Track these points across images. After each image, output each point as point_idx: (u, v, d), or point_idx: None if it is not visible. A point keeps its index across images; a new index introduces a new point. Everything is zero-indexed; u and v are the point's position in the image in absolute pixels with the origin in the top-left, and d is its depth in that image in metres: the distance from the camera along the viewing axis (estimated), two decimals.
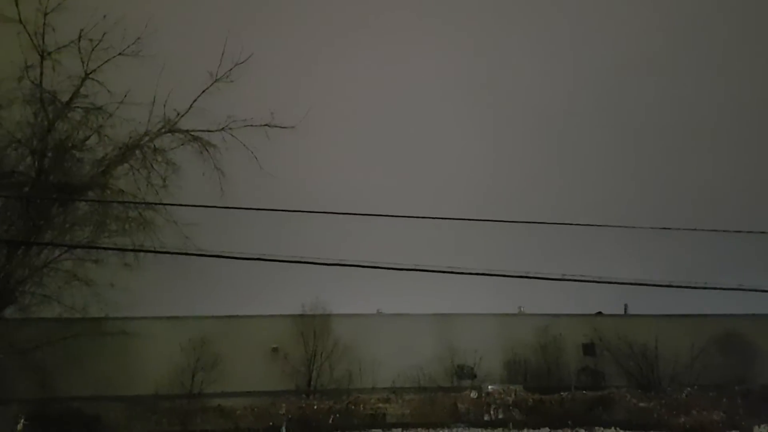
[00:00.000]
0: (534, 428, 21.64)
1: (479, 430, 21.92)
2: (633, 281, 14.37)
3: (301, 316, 30.10)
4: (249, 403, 22.89)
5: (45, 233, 16.94)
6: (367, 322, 31.37)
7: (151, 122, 17.59)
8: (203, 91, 17.78)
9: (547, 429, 21.53)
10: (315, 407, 22.87)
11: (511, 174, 43.94)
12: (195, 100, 17.70)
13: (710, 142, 43.00)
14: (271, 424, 21.80)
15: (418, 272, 13.16)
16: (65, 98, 17.20)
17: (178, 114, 17.61)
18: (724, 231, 17.87)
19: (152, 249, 17.27)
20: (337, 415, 22.65)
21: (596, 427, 21.36)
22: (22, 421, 13.93)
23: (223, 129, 17.83)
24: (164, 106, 17.49)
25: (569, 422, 21.70)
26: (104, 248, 17.47)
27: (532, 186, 44.15)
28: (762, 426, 21.14)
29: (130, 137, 17.39)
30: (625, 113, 43.32)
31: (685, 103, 42.00)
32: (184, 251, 14.80)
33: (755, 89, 41.23)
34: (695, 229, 16.44)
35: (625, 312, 31.92)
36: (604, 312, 31.96)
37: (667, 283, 14.58)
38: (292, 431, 21.69)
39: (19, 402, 20.34)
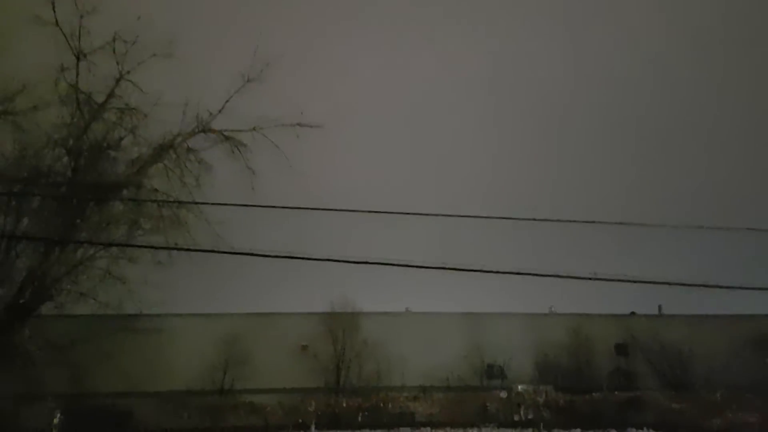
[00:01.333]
0: (565, 429, 21.45)
1: (509, 430, 21.79)
2: (666, 281, 14.13)
3: (330, 314, 30.24)
4: (279, 400, 23.07)
5: (81, 232, 17.23)
6: (396, 320, 31.38)
7: (184, 122, 17.81)
8: (235, 92, 17.96)
9: (578, 430, 21.30)
10: (344, 405, 22.97)
11: (542, 172, 43.57)
12: (227, 101, 17.91)
13: (743, 140, 42.15)
14: (300, 421, 21.96)
15: (447, 271, 13.12)
16: (100, 99, 17.50)
17: (211, 114, 17.85)
18: (759, 230, 17.48)
19: (185, 247, 17.44)
20: (366, 414, 22.70)
21: (628, 428, 21.11)
22: (58, 415, 14.19)
23: (254, 129, 17.99)
24: (197, 106, 17.72)
25: (601, 423, 21.45)
26: (138, 246, 17.67)
27: (563, 184, 43.72)
28: None
29: (164, 137, 17.65)
30: (655, 108, 42.70)
31: (711, 100, 41.32)
32: (216, 249, 14.96)
33: None
34: (730, 228, 16.13)
35: (659, 312, 31.45)
36: (637, 312, 31.54)
37: (702, 283, 14.31)
38: (321, 429, 21.81)
39: (55, 397, 20.83)
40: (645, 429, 21.23)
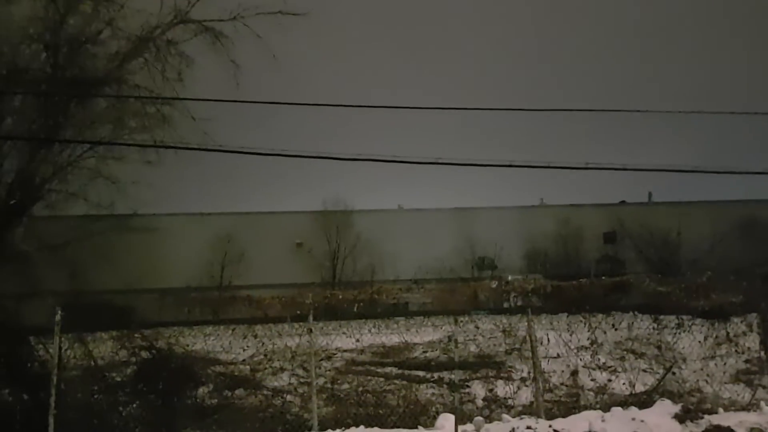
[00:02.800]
0: (552, 313, 22.07)
1: (498, 316, 22.44)
2: (657, 168, 14.15)
3: (323, 211, 30.61)
4: (277, 294, 23.65)
5: (65, 130, 16.97)
6: (388, 216, 31.80)
7: (162, 13, 17.13)
8: None
9: (565, 314, 21.89)
10: (340, 297, 23.59)
11: (531, 61, 42.69)
12: None
13: (737, 25, 41.13)
14: (298, 312, 22.58)
15: (439, 166, 13.09)
16: None
17: (189, 3, 17.13)
18: (750, 114, 17.32)
19: (173, 145, 17.22)
20: (362, 304, 23.34)
21: (613, 312, 21.70)
22: (60, 311, 14.53)
23: (234, 18, 17.33)
24: None
25: (587, 307, 22.01)
26: (125, 144, 17.46)
27: (552, 73, 42.97)
28: None
29: (142, 29, 17.02)
30: None
31: None
32: (205, 147, 14.79)
33: None
34: (721, 113, 15.97)
35: (649, 200, 31.74)
36: (628, 201, 31.87)
37: (692, 169, 14.34)
38: (318, 319, 22.48)
39: (55, 295, 21.23)
40: (631, 311, 21.82)
